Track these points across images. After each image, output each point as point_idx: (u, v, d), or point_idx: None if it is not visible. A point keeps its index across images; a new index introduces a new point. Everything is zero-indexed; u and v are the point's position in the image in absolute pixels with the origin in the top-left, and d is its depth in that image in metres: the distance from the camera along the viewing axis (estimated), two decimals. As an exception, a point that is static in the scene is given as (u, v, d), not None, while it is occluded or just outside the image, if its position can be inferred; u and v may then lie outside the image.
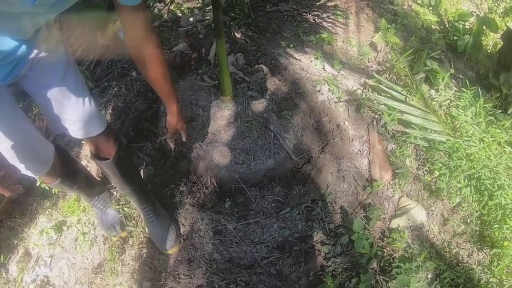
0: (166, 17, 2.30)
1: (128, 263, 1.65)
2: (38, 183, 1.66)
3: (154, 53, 1.19)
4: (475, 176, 1.90)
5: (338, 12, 2.39)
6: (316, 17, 2.36)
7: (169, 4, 2.22)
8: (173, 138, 1.53)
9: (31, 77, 1.12)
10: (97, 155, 1.39)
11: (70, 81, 1.19)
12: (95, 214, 1.74)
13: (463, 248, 1.82)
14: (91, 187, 1.60)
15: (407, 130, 1.98)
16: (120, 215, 1.68)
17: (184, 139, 1.49)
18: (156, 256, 1.63)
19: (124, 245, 1.68)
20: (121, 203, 1.74)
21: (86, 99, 1.24)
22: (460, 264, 1.76)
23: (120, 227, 1.67)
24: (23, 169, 1.23)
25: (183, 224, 1.65)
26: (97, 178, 1.80)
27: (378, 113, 1.99)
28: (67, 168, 1.39)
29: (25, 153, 1.20)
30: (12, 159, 1.17)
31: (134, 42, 1.15)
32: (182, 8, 2.44)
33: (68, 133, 1.29)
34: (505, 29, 2.79)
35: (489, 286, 1.71)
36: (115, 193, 1.76)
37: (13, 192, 1.07)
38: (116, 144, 1.38)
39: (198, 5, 2.46)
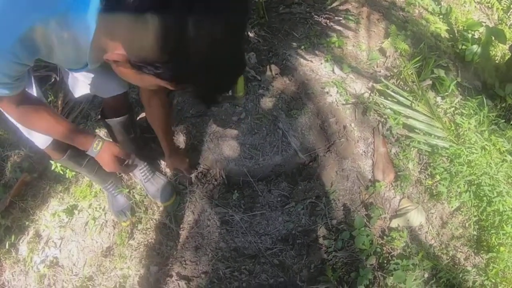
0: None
1: (137, 248, 1.80)
2: (53, 167, 1.80)
3: (159, 111, 1.46)
4: (475, 182, 2.05)
5: (350, 17, 2.54)
6: (328, 21, 2.51)
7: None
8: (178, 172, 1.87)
9: None
10: (108, 115, 1.60)
11: None
12: (106, 199, 1.89)
13: (460, 251, 1.96)
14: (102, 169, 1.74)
15: (411, 135, 2.12)
16: (131, 201, 1.83)
17: (187, 174, 1.82)
18: (164, 242, 1.78)
19: (133, 230, 1.83)
20: (132, 188, 1.89)
21: None
22: (456, 266, 1.90)
23: (130, 213, 1.82)
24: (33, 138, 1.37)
25: (192, 212, 1.80)
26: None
27: (384, 116, 2.14)
28: None
29: None
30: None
31: (145, 93, 1.41)
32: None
33: (93, 93, 1.45)
34: (514, 41, 2.95)
35: (484, 288, 1.85)
36: (126, 177, 1.91)
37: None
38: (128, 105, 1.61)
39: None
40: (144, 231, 1.82)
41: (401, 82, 2.32)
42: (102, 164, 1.32)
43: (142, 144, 1.84)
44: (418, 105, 2.19)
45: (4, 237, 1.86)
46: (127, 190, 1.85)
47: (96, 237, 1.85)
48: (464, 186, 2.03)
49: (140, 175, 1.84)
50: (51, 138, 1.38)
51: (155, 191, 1.83)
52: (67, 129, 1.16)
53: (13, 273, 1.82)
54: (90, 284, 1.76)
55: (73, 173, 1.90)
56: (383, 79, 2.22)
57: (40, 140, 1.36)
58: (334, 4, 2.62)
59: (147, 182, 1.84)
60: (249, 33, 2.34)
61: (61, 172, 1.79)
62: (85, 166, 1.59)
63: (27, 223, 1.90)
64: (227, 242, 1.75)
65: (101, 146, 1.26)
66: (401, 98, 2.18)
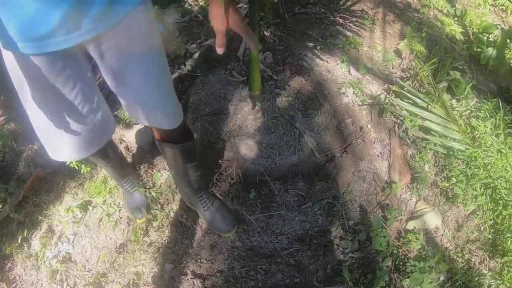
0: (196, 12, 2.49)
1: (151, 245, 1.82)
2: (67, 162, 1.82)
3: None
4: (491, 185, 2.07)
5: (365, 17, 2.57)
6: (343, 21, 2.53)
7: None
8: (224, 47, 1.18)
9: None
10: (163, 139, 1.48)
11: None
12: (121, 195, 1.91)
13: (475, 255, 1.98)
14: (123, 166, 1.75)
15: (427, 137, 2.14)
16: (146, 199, 1.85)
17: (252, 48, 1.33)
18: (180, 240, 1.80)
19: (148, 228, 1.85)
20: (148, 186, 1.91)
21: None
22: (471, 270, 1.91)
23: (146, 210, 1.84)
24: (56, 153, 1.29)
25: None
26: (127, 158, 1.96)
27: (400, 118, 2.17)
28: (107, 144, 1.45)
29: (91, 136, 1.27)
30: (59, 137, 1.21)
31: None
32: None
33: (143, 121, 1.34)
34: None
35: (499, 293, 1.86)
36: (143, 174, 1.93)
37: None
38: (186, 131, 1.47)
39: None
40: (159, 229, 1.84)
41: (417, 84, 2.34)
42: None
43: (201, 173, 1.71)
44: (434, 107, 2.21)
45: (17, 232, 1.88)
46: (144, 189, 1.87)
47: (110, 233, 1.87)
48: (480, 189, 2.05)
49: (198, 203, 1.77)
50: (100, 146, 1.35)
51: (214, 221, 1.77)
52: None
53: (24, 267, 1.84)
54: (103, 281, 1.77)
55: (88, 168, 1.93)
56: (399, 80, 2.25)
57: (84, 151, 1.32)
58: (349, 4, 2.65)
59: (207, 211, 1.77)
60: (265, 32, 2.36)
61: (76, 167, 1.82)
62: (110, 166, 1.60)
63: (40, 217, 1.92)
64: (243, 241, 1.77)
65: None
66: (417, 100, 2.20)
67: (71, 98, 1.10)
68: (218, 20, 1.11)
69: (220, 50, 1.16)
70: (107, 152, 1.54)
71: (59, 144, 1.24)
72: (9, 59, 0.99)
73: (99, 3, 0.91)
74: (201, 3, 2.58)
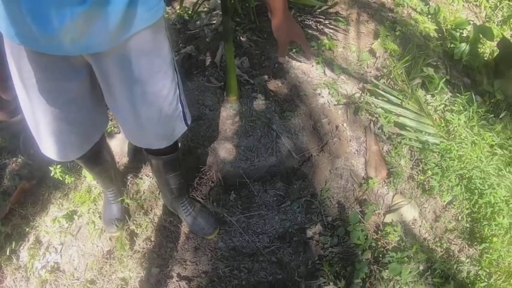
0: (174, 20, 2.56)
1: (137, 251, 1.88)
2: (52, 173, 1.88)
3: None
4: (466, 176, 2.15)
5: (340, 19, 2.66)
6: (318, 24, 2.62)
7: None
8: (286, 55, 1.32)
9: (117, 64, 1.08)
10: (148, 151, 1.50)
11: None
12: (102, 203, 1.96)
13: (454, 243, 2.06)
14: (111, 176, 1.76)
15: (402, 132, 2.23)
16: (124, 214, 1.86)
17: (307, 56, 1.39)
18: (164, 244, 1.87)
19: (134, 233, 1.91)
20: (131, 193, 1.98)
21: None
22: (450, 258, 1.99)
23: (120, 225, 1.84)
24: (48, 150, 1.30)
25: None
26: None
27: (375, 115, 2.25)
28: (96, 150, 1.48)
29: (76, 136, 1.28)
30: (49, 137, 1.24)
31: None
32: (190, 12, 2.70)
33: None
34: (502, 37, 3.07)
35: (478, 278, 1.93)
36: (126, 181, 1.99)
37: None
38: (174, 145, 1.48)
39: (205, 9, 2.72)
40: (144, 234, 1.90)
41: (391, 82, 2.43)
42: None
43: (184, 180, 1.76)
44: (408, 103, 2.30)
45: (5, 244, 1.93)
46: (127, 200, 1.90)
47: (96, 241, 1.93)
48: (455, 180, 2.13)
49: (180, 209, 1.83)
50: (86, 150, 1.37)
51: (197, 225, 1.83)
52: None
53: (14, 279, 1.89)
54: (92, 288, 1.83)
55: (72, 179, 1.98)
56: (373, 79, 2.34)
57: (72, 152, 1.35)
58: (324, 7, 2.74)
59: (189, 216, 1.83)
60: (241, 38, 2.44)
61: (60, 178, 1.88)
62: (96, 171, 1.63)
63: (27, 229, 1.97)
64: (226, 242, 1.84)
65: None
66: (391, 97, 2.29)
67: (59, 104, 1.14)
68: (283, 32, 1.18)
69: (282, 60, 1.24)
70: (100, 154, 1.57)
71: (47, 142, 1.26)
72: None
73: (116, 13, 0.92)
74: (178, 11, 2.66)
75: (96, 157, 1.55)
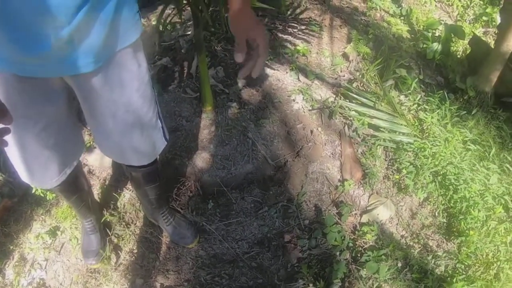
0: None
1: (121, 263, 1.93)
2: (33, 190, 1.92)
3: None
4: (441, 172, 2.23)
5: (313, 25, 2.74)
6: (292, 30, 2.70)
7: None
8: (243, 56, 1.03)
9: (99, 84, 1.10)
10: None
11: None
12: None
13: (431, 239, 2.13)
14: (89, 205, 1.76)
15: (376, 134, 2.31)
16: (103, 245, 1.88)
17: (255, 73, 1.07)
18: (147, 254, 1.92)
19: (117, 246, 1.96)
20: (111, 207, 2.03)
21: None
22: (428, 253, 2.06)
23: (98, 257, 1.85)
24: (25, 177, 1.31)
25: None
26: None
27: (349, 119, 2.33)
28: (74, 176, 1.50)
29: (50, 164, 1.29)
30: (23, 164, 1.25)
31: None
32: (165, 23, 2.76)
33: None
34: (473, 35, 3.18)
35: (456, 271, 2.00)
36: (106, 194, 2.04)
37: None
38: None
39: (180, 20, 2.78)
40: (127, 246, 1.95)
41: (364, 85, 2.51)
42: None
43: (163, 191, 1.81)
44: (381, 105, 2.38)
45: (-10, 263, 1.97)
46: (109, 217, 1.94)
47: (80, 256, 1.97)
48: (429, 178, 2.21)
49: (161, 219, 1.87)
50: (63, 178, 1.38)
51: (177, 234, 1.89)
52: None
53: (0, 298, 1.93)
54: (77, 302, 1.88)
55: (53, 195, 2.03)
56: (346, 84, 2.41)
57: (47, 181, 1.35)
58: (297, 13, 2.82)
59: (169, 226, 1.88)
60: (216, 47, 2.51)
61: (41, 194, 1.93)
62: (73, 200, 1.64)
63: (11, 247, 2.01)
64: (206, 250, 1.90)
65: None
66: (364, 100, 2.37)
67: (38, 130, 1.15)
68: (240, 28, 1.01)
69: (240, 60, 1.04)
70: (78, 180, 1.58)
71: (28, 169, 1.27)
72: None
73: (99, 33, 0.95)
74: (153, 23, 2.72)
75: (75, 184, 1.56)
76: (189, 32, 2.65)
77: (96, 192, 2.07)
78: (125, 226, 1.98)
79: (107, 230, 1.93)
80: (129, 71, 1.13)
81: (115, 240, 1.97)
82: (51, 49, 0.91)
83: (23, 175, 1.31)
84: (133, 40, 1.08)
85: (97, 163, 2.12)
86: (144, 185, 1.67)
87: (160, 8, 2.04)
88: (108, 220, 1.97)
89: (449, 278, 1.98)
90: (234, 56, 1.05)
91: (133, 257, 1.95)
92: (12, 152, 1.23)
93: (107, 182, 2.11)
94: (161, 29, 2.70)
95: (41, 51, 0.91)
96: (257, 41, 1.02)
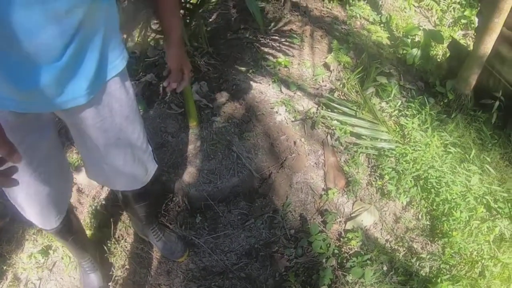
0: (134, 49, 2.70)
1: (114, 280, 1.99)
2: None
3: None
4: (422, 176, 2.32)
5: (294, 36, 2.83)
6: (274, 42, 2.79)
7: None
8: (174, 85, 1.44)
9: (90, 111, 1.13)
10: None
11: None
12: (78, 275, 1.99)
13: (416, 241, 2.21)
14: (84, 244, 1.79)
15: (358, 141, 2.40)
16: (104, 283, 1.91)
17: (179, 90, 1.45)
18: (138, 270, 1.99)
19: (108, 264, 2.03)
20: (101, 225, 2.09)
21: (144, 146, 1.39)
22: (413, 256, 2.15)
23: None
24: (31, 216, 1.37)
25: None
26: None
27: (331, 128, 2.42)
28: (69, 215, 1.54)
29: (49, 205, 1.34)
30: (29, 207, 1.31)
31: None
32: (149, 40, 2.84)
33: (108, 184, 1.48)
34: (452, 39, 3.28)
35: (441, 271, 2.09)
36: (96, 213, 2.10)
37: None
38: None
39: (163, 36, 2.86)
40: (118, 262, 2.01)
41: (345, 94, 2.60)
42: None
43: (152, 208, 1.87)
44: (362, 113, 2.47)
45: (-17, 285, 2.03)
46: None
47: (73, 273, 2.04)
48: (411, 182, 2.30)
49: (151, 234, 1.93)
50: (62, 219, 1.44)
51: (167, 249, 1.95)
52: None
53: (-4, 319, 1.99)
54: (71, 320, 1.94)
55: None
56: (327, 94, 2.50)
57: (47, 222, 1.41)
58: (278, 26, 2.91)
59: (159, 241, 1.94)
60: (199, 62, 2.59)
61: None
62: (69, 242, 1.66)
63: (4, 267, 2.06)
64: (196, 263, 1.97)
65: None
66: (345, 109, 2.46)
67: (34, 166, 1.17)
68: (176, 61, 1.39)
69: (174, 85, 1.43)
70: (72, 219, 1.61)
71: (30, 209, 1.32)
72: None
73: (90, 66, 1.00)
74: (137, 40, 2.79)
75: (71, 223, 1.59)
76: (173, 48, 2.73)
77: (86, 210, 2.14)
78: (115, 242, 2.05)
79: (112, 264, 1.99)
80: (119, 99, 1.18)
81: (107, 256, 2.04)
82: (43, 85, 0.94)
83: (28, 214, 1.36)
84: (121, 69, 1.13)
85: (86, 181, 2.19)
86: (134, 204, 1.73)
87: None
88: (97, 238, 2.03)
89: (434, 279, 2.06)
90: (165, 82, 1.44)
91: (125, 273, 2.01)
92: (12, 193, 1.27)
93: (96, 200, 2.17)
94: (144, 46, 2.77)
95: (34, 88, 0.94)
96: (185, 71, 1.43)
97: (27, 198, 1.27)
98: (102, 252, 2.01)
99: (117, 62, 1.12)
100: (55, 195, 1.34)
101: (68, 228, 1.56)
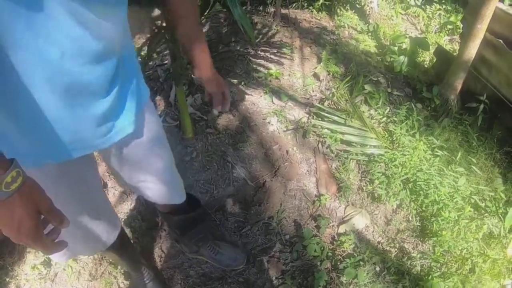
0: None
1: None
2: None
3: None
4: (411, 180, 2.47)
5: (284, 48, 2.99)
6: (264, 54, 2.95)
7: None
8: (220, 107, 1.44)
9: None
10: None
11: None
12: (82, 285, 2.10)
13: (407, 242, 2.35)
14: (138, 256, 1.89)
15: (348, 149, 2.55)
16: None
17: (224, 107, 1.44)
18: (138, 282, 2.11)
19: (111, 274, 2.15)
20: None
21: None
22: (404, 255, 2.28)
23: None
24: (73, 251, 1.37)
25: (160, 248, 2.14)
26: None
27: (322, 136, 2.57)
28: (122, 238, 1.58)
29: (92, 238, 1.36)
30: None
31: None
32: (142, 54, 2.99)
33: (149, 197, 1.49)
34: (437, 45, 3.46)
35: (432, 270, 2.22)
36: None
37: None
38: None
39: (157, 50, 3.01)
40: (120, 270, 2.14)
41: (335, 103, 2.76)
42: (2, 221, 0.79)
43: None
44: (352, 121, 2.63)
45: (-13, 297, 2.14)
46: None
47: (75, 283, 2.16)
48: (400, 185, 2.45)
49: (207, 251, 1.98)
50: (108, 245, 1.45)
51: (227, 261, 2.02)
52: None
53: (0, 332, 2.10)
54: (76, 330, 2.06)
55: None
56: (317, 103, 2.66)
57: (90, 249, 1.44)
58: (268, 37, 3.07)
59: (217, 255, 2.00)
60: (193, 75, 2.74)
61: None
62: (128, 253, 1.75)
63: (7, 279, 2.17)
64: (195, 269, 2.10)
65: (19, 186, 0.75)
66: (335, 118, 2.62)
67: (85, 200, 1.21)
68: (214, 85, 1.38)
69: (220, 110, 1.45)
70: (124, 237, 1.68)
71: (81, 243, 1.34)
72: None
73: (130, 99, 1.04)
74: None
75: (121, 242, 1.62)
76: (166, 62, 2.88)
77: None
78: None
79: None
80: (153, 121, 1.24)
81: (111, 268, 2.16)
82: (93, 124, 0.95)
83: (79, 250, 1.41)
84: (148, 94, 1.20)
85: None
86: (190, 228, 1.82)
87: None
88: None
89: (425, 277, 2.19)
90: (214, 110, 1.57)
91: (126, 284, 2.13)
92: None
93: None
94: (139, 59, 2.92)
95: (83, 130, 0.94)
96: (225, 91, 1.42)
97: (80, 234, 1.29)
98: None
99: (145, 90, 1.18)
100: (105, 221, 1.38)
101: (121, 246, 1.62)
